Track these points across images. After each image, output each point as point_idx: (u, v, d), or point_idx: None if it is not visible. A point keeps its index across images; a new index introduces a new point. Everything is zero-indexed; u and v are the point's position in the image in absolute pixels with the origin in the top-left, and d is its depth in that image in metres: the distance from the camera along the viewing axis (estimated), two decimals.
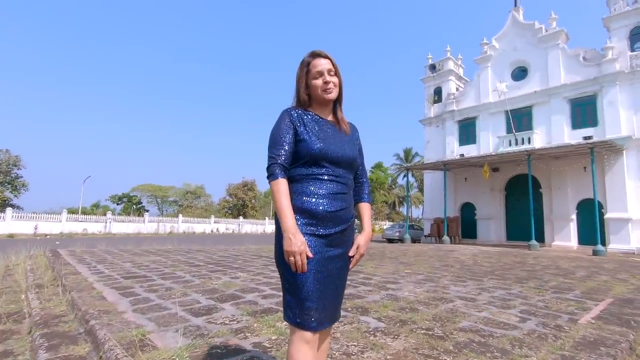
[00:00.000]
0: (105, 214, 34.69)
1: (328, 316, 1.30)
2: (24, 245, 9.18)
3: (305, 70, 1.40)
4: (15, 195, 35.15)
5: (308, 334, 1.23)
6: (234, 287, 4.53)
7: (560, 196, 17.06)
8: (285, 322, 2.68)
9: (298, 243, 1.19)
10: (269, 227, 44.32)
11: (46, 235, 25.81)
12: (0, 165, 33.69)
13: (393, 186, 59.45)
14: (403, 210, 57.13)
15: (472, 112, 21.12)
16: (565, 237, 16.63)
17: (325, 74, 1.39)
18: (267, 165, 1.32)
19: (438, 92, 23.50)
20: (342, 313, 3.37)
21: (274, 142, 1.33)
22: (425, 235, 21.77)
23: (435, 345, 2.56)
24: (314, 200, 1.29)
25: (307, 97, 1.41)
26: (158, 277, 5.16)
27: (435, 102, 23.48)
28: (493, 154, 18.39)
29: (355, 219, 1.49)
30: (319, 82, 1.38)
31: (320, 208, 1.29)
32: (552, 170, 17.30)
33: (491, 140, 19.99)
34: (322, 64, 1.39)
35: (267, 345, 2.48)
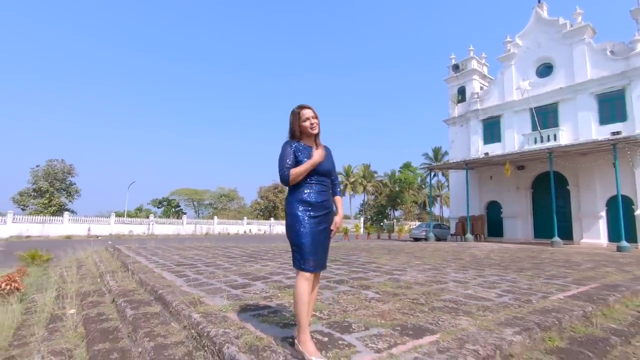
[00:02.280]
0: (147, 217, 37.37)
1: (318, 265, 2.18)
2: (81, 245, 10.66)
3: (297, 117, 2.27)
4: (70, 201, 38.68)
5: (307, 274, 2.13)
6: (264, 271, 5.50)
7: (589, 193, 16.80)
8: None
9: (318, 153, 2.18)
10: None
11: (97, 236, 28.37)
12: (56, 173, 37.25)
13: (423, 186, 58.97)
14: (434, 210, 56.55)
15: (497, 111, 21.11)
16: (594, 234, 16.37)
17: (311, 118, 2.26)
18: (280, 175, 2.20)
19: (462, 91, 23.60)
20: (347, 287, 4.24)
21: (283, 160, 2.21)
22: (451, 234, 21.97)
23: (414, 308, 3.35)
24: (310, 195, 2.19)
25: (299, 133, 2.29)
26: (202, 265, 6.24)
27: (459, 101, 23.60)
28: (517, 152, 18.37)
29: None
30: (307, 124, 2.25)
31: (313, 199, 2.18)
32: (579, 167, 17.07)
33: (516, 138, 19.92)
34: (308, 113, 2.26)
35: (287, 305, 3.38)
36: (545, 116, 18.68)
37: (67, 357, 2.96)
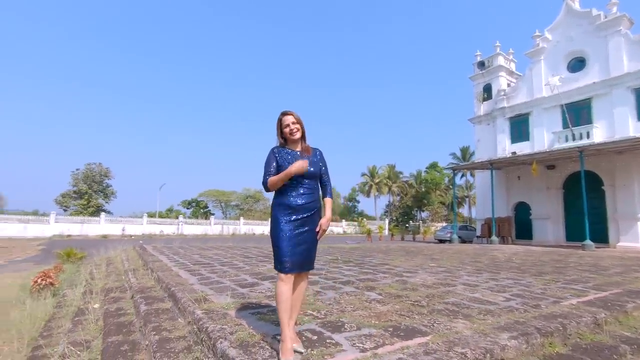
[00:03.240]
0: (177, 218, 38.81)
1: (295, 266, 2.22)
2: (113, 244, 11.36)
3: (279, 124, 2.37)
4: (107, 202, 40.91)
5: (282, 275, 2.22)
6: (275, 271, 5.64)
7: (626, 193, 15.79)
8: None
9: (298, 163, 2.20)
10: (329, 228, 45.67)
11: (131, 235, 29.81)
12: (94, 176, 39.50)
13: (451, 186, 57.50)
14: (462, 211, 55.00)
15: (525, 108, 20.29)
16: (632, 237, 15.36)
17: (290, 124, 2.33)
18: (262, 182, 2.31)
19: (488, 89, 22.87)
20: (352, 288, 4.28)
21: (266, 167, 2.32)
22: (477, 236, 21.33)
23: (413, 310, 3.36)
24: (290, 198, 2.27)
25: (283, 139, 2.39)
26: (218, 264, 6.48)
27: (484, 99, 22.88)
28: (546, 151, 17.58)
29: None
30: (287, 130, 2.34)
31: (294, 203, 2.26)
32: (615, 166, 16.10)
33: (546, 136, 19.04)
34: (288, 119, 2.34)
35: None
36: (577, 113, 17.74)
37: (85, 347, 3.21)
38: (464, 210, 55.26)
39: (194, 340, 2.79)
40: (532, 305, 3.74)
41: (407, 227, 44.44)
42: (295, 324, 2.42)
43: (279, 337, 2.44)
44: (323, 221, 2.38)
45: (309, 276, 5.08)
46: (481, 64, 23.36)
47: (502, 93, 21.71)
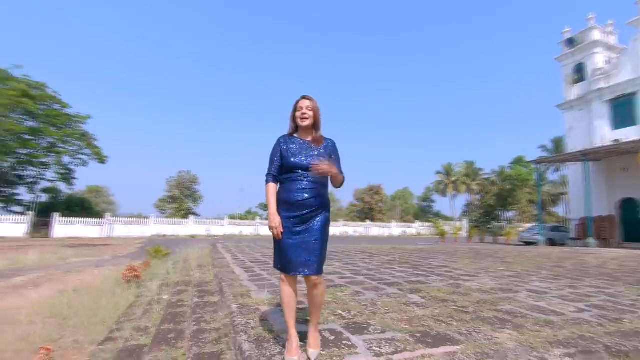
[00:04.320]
0: (254, 219, 41.41)
1: (294, 266, 2.07)
2: (199, 243, 12.54)
3: (294, 108, 2.24)
4: (195, 205, 45.58)
5: (282, 275, 2.16)
6: (324, 271, 5.65)
7: None
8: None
9: (275, 222, 2.11)
10: (396, 229, 44.56)
11: (214, 236, 32.68)
12: (185, 183, 44.32)
13: (542, 183, 51.32)
14: (557, 210, 48.73)
15: (630, 87, 17.14)
16: None
17: (304, 108, 2.20)
18: (265, 174, 2.28)
19: (580, 69, 19.89)
20: (395, 290, 4.07)
21: (270, 160, 2.26)
22: (570, 238, 18.63)
23: (453, 316, 3.07)
24: (290, 193, 2.14)
25: (295, 126, 2.27)
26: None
27: (576, 81, 19.95)
28: None
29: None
30: (299, 113, 2.21)
31: (292, 198, 2.11)
32: None
33: None
34: (303, 103, 2.20)
35: None
36: None
37: (145, 332, 3.61)
38: (559, 210, 48.84)
39: (225, 332, 2.94)
40: (611, 319, 3.14)
41: (489, 228, 40.82)
42: (316, 328, 2.25)
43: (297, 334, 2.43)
44: (326, 162, 2.10)
45: (357, 277, 4.99)
46: (570, 42, 20.45)
47: (599, 72, 18.68)
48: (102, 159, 33.56)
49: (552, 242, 17.98)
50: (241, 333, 2.51)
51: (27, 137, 29.57)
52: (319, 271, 2.15)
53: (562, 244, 18.67)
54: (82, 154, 32.84)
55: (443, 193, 54.79)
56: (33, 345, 3.52)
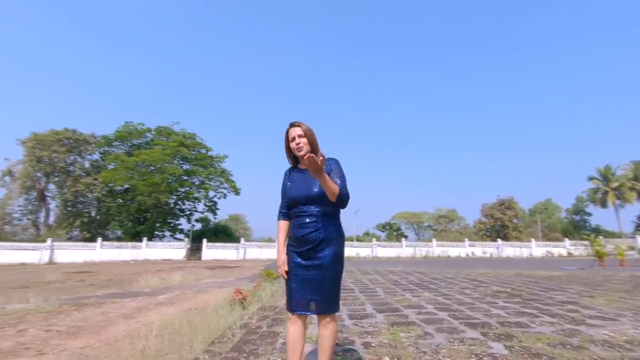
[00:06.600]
0: (371, 241, 41.18)
1: (297, 305, 1.97)
2: None
3: (285, 138, 2.13)
4: None
5: (289, 313, 2.03)
6: (406, 303, 5.11)
7: None
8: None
9: (279, 261, 2.07)
10: (538, 249, 37.79)
11: None
12: None
13: None
14: None
15: None
16: None
17: (296, 137, 2.05)
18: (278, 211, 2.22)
19: None
20: (477, 335, 3.40)
21: (281, 195, 2.21)
22: None
23: None
24: (292, 229, 2.08)
25: (292, 156, 2.16)
26: (358, 290, 6.45)
27: None
28: None
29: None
30: (293, 144, 2.08)
31: (295, 234, 2.05)
32: None
33: None
34: (293, 131, 2.07)
35: (362, 345, 3.10)
36: None
37: (217, 356, 3.88)
38: None
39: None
40: None
41: None
42: None
43: None
44: (320, 160, 1.77)
45: (439, 313, 4.37)
46: None
47: None
48: (237, 191, 39.30)
49: None
50: None
51: (184, 177, 36.95)
52: (325, 310, 1.99)
53: None
54: (222, 188, 39.12)
55: (602, 203, 44.23)
56: (146, 358, 4.15)
